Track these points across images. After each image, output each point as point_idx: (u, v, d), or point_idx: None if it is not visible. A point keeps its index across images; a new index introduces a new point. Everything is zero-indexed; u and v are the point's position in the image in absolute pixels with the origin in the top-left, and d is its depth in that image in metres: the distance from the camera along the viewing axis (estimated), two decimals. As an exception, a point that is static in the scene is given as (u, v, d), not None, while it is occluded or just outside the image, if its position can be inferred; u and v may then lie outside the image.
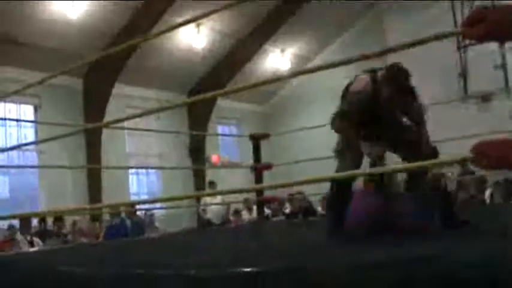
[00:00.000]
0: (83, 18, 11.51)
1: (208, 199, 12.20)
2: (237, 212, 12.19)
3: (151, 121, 13.96)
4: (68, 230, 10.72)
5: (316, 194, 9.42)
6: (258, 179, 7.56)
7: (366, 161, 3.82)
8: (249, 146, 7.59)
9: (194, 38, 13.60)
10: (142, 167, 14.51)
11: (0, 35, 10.75)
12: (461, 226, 3.69)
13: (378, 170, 3.65)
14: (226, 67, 15.18)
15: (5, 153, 10.98)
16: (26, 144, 10.78)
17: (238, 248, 3.88)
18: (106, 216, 11.57)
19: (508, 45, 10.41)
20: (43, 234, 9.98)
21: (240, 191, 12.03)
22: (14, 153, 11.71)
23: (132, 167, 14.30)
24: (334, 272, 2.11)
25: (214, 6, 3.30)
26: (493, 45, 10.69)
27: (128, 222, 10.98)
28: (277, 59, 16.27)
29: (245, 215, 11.72)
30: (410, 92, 3.77)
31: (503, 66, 11.88)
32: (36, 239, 9.49)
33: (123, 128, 12.46)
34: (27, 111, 12.42)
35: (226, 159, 16.39)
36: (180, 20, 10.44)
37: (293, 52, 16.41)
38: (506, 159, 1.93)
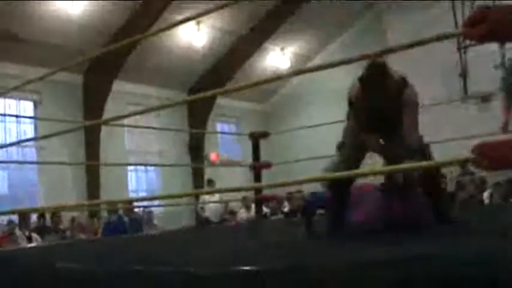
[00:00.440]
0: (83, 15, 11.50)
1: (206, 197, 12.20)
2: (232, 212, 12.22)
3: (150, 118, 13.96)
4: (66, 226, 10.74)
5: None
6: (257, 177, 7.56)
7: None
8: (249, 144, 7.58)
9: (194, 35, 13.59)
10: (141, 164, 14.51)
11: (1, 31, 10.75)
12: (453, 222, 3.73)
13: (377, 170, 3.67)
14: (226, 65, 15.18)
15: (4, 149, 10.98)
16: (25, 140, 10.77)
17: (236, 246, 3.88)
18: (104, 213, 11.57)
19: (508, 45, 10.40)
20: (42, 230, 10.00)
21: (239, 190, 12.01)
22: (14, 148, 11.70)
23: (131, 164, 14.30)
24: (333, 270, 2.11)
25: (215, 4, 3.29)
26: (494, 46, 10.69)
27: (126, 219, 11.00)
28: (277, 57, 16.26)
29: (243, 213, 11.73)
30: (396, 85, 3.69)
31: (503, 66, 11.88)
32: (34, 235, 9.51)
33: (122, 125, 12.47)
34: (27, 107, 12.41)
35: (225, 158, 16.39)
36: (180, 17, 10.44)
37: (293, 51, 16.41)
38: (506, 159, 1.93)
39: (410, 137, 3.64)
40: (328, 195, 4.00)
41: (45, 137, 9.38)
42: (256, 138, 7.60)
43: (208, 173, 14.77)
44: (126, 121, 12.29)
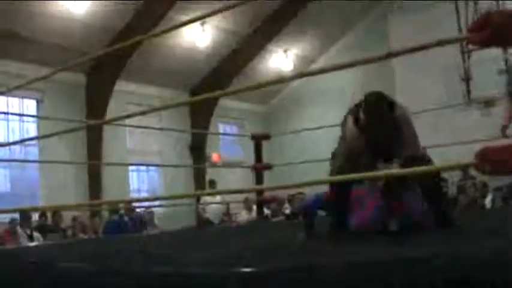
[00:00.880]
0: (87, 15, 11.52)
1: (208, 198, 12.21)
2: (229, 214, 12.25)
3: (152, 119, 13.96)
4: (68, 225, 10.75)
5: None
6: (259, 179, 7.57)
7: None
8: (250, 145, 7.59)
9: (198, 36, 13.59)
10: (143, 164, 14.51)
11: (4, 30, 10.77)
12: (452, 225, 3.75)
13: (378, 174, 3.65)
14: (229, 66, 15.18)
15: (7, 147, 11.00)
16: (28, 139, 10.80)
17: (236, 247, 3.88)
18: (105, 213, 11.59)
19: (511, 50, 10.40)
20: (43, 228, 10.02)
21: (240, 192, 12.05)
22: (16, 147, 11.73)
23: (133, 164, 14.31)
24: (332, 271, 2.11)
25: (220, 4, 3.30)
26: (497, 50, 10.67)
27: (126, 218, 11.02)
28: (280, 59, 16.26)
29: (245, 214, 11.72)
30: (394, 119, 3.51)
31: (507, 71, 11.86)
32: (36, 234, 9.53)
33: (125, 125, 12.47)
34: (29, 105, 12.43)
35: (226, 158, 16.40)
36: (184, 18, 10.46)
37: (296, 52, 16.41)
38: (507, 164, 1.93)
39: (412, 147, 3.59)
40: (327, 197, 4.02)
41: (47, 136, 9.39)
42: (258, 140, 7.61)
43: (210, 173, 14.76)
44: (127, 121, 12.31)
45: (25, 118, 12.24)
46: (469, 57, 12.01)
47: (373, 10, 15.92)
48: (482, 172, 2.01)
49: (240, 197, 11.55)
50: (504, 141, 4.96)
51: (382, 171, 3.63)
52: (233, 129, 17.56)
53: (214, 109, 15.66)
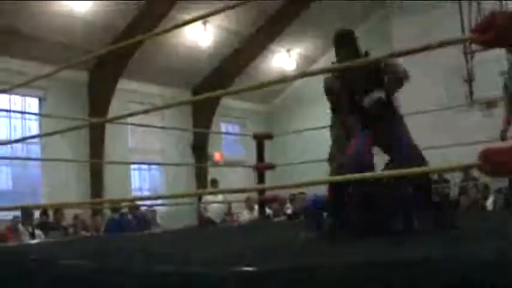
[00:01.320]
0: (89, 13, 11.52)
1: (210, 197, 12.21)
2: (230, 214, 12.26)
3: (154, 118, 13.96)
4: (69, 222, 10.77)
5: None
6: (261, 178, 7.57)
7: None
8: (252, 145, 7.59)
9: (200, 35, 13.59)
10: (145, 163, 14.51)
11: (7, 28, 10.78)
12: (448, 227, 3.79)
13: (377, 174, 3.68)
14: (231, 65, 15.18)
15: (9, 145, 11.02)
16: (30, 137, 10.80)
17: (236, 247, 3.88)
18: (108, 211, 11.60)
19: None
20: (45, 226, 10.03)
21: (242, 191, 12.04)
22: (18, 145, 11.74)
23: (135, 163, 14.32)
24: (333, 272, 2.11)
25: (222, 3, 3.30)
26: (499, 51, 10.63)
27: (130, 217, 11.03)
28: (283, 58, 16.25)
29: (246, 214, 11.73)
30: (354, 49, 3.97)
31: (508, 73, 11.83)
32: (37, 231, 9.54)
33: (127, 124, 12.48)
34: (31, 103, 12.43)
35: (228, 158, 16.40)
36: (186, 17, 10.46)
37: (299, 52, 16.40)
38: (509, 165, 1.93)
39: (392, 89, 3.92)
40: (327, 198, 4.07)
41: (49, 134, 9.40)
42: (260, 139, 7.62)
43: (212, 173, 14.76)
44: (129, 120, 12.31)
45: (27, 116, 12.25)
46: (471, 58, 12.00)
47: (376, 11, 15.91)
48: (485, 173, 2.01)
49: (242, 196, 11.55)
50: (502, 143, 4.97)
51: (382, 172, 3.66)
52: (235, 129, 17.57)
53: (217, 108, 15.66)
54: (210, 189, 13.19)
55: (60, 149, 11.91)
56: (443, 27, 11.73)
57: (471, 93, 11.82)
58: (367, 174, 3.50)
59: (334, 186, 3.99)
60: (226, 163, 16.10)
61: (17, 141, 9.79)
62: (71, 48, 11.43)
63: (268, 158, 7.70)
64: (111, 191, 12.58)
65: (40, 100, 12.53)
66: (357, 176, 3.48)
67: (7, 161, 11.58)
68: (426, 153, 4.09)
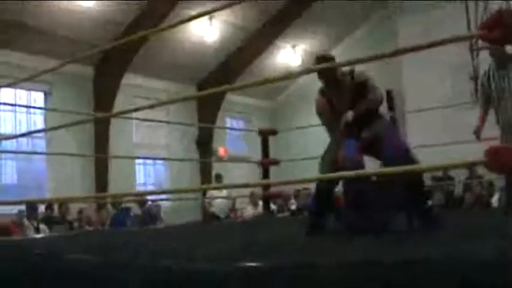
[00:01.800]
0: (95, 8, 11.52)
1: (214, 193, 12.21)
2: (234, 209, 12.28)
3: (159, 113, 13.96)
4: (74, 217, 10.80)
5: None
6: (265, 174, 7.58)
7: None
8: (257, 140, 7.59)
9: (206, 30, 13.57)
10: (149, 158, 14.53)
11: (14, 22, 10.79)
12: (432, 226, 3.87)
13: (371, 172, 3.72)
14: (237, 61, 15.17)
15: (14, 139, 11.04)
16: (35, 132, 10.82)
17: (240, 242, 3.89)
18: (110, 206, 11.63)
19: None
20: (49, 220, 10.05)
21: (246, 186, 12.05)
22: (23, 139, 11.77)
23: (140, 158, 14.32)
24: (330, 268, 2.11)
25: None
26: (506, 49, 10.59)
27: (133, 212, 11.06)
28: (288, 54, 16.23)
29: (250, 210, 11.73)
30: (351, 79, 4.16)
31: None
32: (42, 226, 9.57)
33: (132, 118, 12.49)
34: (37, 97, 12.45)
35: (233, 153, 16.40)
36: (192, 12, 10.46)
37: (304, 48, 16.37)
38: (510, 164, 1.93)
39: (372, 104, 4.14)
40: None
41: (55, 128, 9.40)
42: (265, 135, 7.63)
43: (216, 168, 14.77)
44: (134, 115, 12.32)
45: (32, 110, 12.26)
46: (477, 56, 11.98)
47: (382, 7, 15.86)
48: (492, 170, 2.01)
49: (246, 192, 11.55)
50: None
51: (371, 170, 3.72)
52: (240, 124, 17.56)
53: (222, 104, 15.66)
54: (214, 184, 13.20)
55: (65, 143, 11.93)
56: (449, 25, 11.70)
57: (476, 90, 11.79)
58: (362, 172, 3.56)
59: (316, 188, 4.22)
60: (230, 158, 16.10)
61: (22, 135, 9.81)
62: (76, 43, 11.44)
63: (272, 153, 7.71)
64: (116, 185, 12.59)
65: (45, 94, 12.55)
66: (361, 173, 3.52)
67: (12, 155, 11.61)
68: (431, 150, 4.10)
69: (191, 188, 9.84)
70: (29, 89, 12.15)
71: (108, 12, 11.81)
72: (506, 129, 5.16)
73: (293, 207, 11.62)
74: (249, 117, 17.53)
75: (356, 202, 3.96)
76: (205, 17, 12.89)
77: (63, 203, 10.35)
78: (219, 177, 13.26)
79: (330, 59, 4.19)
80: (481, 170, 11.38)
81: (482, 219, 5.59)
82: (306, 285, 2.07)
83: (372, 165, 4.17)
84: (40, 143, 12.33)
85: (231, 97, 15.91)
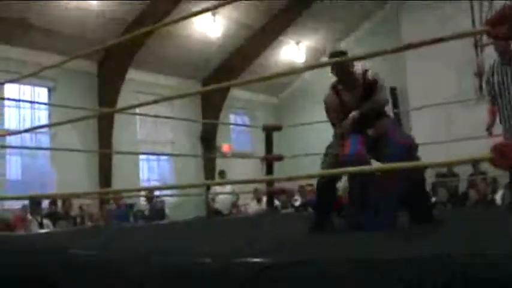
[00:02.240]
0: (100, 5, 11.52)
1: (218, 188, 12.22)
2: (236, 206, 12.29)
3: (164, 109, 13.97)
4: (77, 213, 10.83)
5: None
6: (269, 169, 7.57)
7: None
8: (260, 136, 7.58)
9: (210, 26, 13.56)
10: (153, 154, 14.54)
11: (18, 19, 10.81)
12: (432, 223, 3.96)
13: (375, 168, 3.73)
14: (241, 57, 15.15)
15: (19, 135, 11.06)
16: (39, 127, 10.83)
17: (242, 238, 3.89)
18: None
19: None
20: (53, 216, 10.09)
21: (250, 182, 12.04)
22: (27, 134, 11.77)
23: (143, 153, 14.33)
24: (332, 265, 2.11)
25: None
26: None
27: (142, 207, 11.09)
28: (292, 50, 16.21)
29: (254, 205, 11.74)
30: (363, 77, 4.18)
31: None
32: (46, 221, 9.59)
33: (136, 114, 12.51)
34: (41, 93, 12.47)
35: (237, 149, 16.41)
36: (195, 8, 10.44)
37: (308, 44, 16.35)
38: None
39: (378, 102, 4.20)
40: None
41: (59, 123, 9.43)
42: (269, 131, 7.62)
43: (220, 164, 14.78)
44: (138, 111, 12.33)
45: (36, 106, 12.28)
46: (481, 51, 11.95)
47: (386, 3, 15.83)
48: (498, 167, 2.00)
49: (250, 187, 11.56)
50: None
51: (372, 167, 3.72)
52: (243, 120, 17.55)
53: (226, 100, 15.66)
54: (217, 180, 13.21)
55: (69, 139, 11.95)
56: (453, 22, 11.69)
57: (481, 86, 11.78)
58: (367, 168, 3.57)
59: (318, 185, 4.25)
60: (234, 154, 16.10)
61: (26, 131, 9.82)
62: (80, 39, 11.44)
63: (275, 149, 7.70)
64: (120, 181, 12.61)
65: (49, 90, 12.56)
66: (355, 169, 3.54)
67: (17, 151, 11.63)
68: (435, 147, 4.11)
69: (195, 184, 9.84)
70: (33, 85, 12.17)
71: (111, 9, 11.80)
72: (508, 127, 5.12)
73: (297, 203, 11.62)
74: (253, 113, 17.52)
75: (360, 199, 3.98)
76: (209, 14, 12.90)
77: (67, 199, 10.38)
78: (222, 174, 13.27)
79: (344, 53, 4.22)
80: (484, 167, 11.36)
81: (486, 216, 5.58)
82: (307, 282, 2.07)
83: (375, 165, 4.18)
84: (44, 139, 12.34)
85: (235, 93, 15.91)
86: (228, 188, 12.10)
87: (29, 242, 4.00)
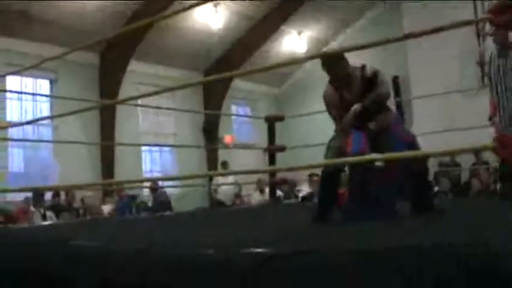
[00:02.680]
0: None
1: (220, 179, 12.24)
2: (239, 196, 12.32)
3: (166, 100, 13.97)
4: (79, 205, 10.86)
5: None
6: (272, 160, 7.57)
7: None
8: (262, 127, 7.57)
9: (211, 17, 13.54)
10: (156, 145, 14.55)
11: (20, 11, 10.80)
12: (432, 212, 3.93)
13: (375, 157, 3.73)
14: (242, 47, 15.13)
15: (21, 127, 11.07)
16: (41, 119, 10.83)
17: (245, 229, 3.89)
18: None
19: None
20: (56, 208, 10.11)
21: (252, 172, 12.07)
22: (29, 127, 11.79)
23: (145, 144, 14.34)
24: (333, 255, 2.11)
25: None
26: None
27: (145, 198, 11.10)
28: (294, 41, 16.18)
29: (257, 196, 11.75)
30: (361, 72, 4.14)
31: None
32: (49, 213, 9.61)
33: (138, 105, 12.51)
34: (43, 85, 12.47)
35: (239, 140, 16.41)
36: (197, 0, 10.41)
37: (310, 35, 16.31)
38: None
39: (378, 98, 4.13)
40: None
41: (61, 115, 9.43)
42: (271, 122, 7.61)
43: (223, 155, 14.80)
44: (140, 102, 12.34)
45: (38, 98, 12.28)
46: (483, 41, 11.92)
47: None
48: (501, 157, 2.00)
49: (252, 178, 11.57)
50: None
51: (381, 155, 3.74)
52: (245, 111, 17.54)
53: (228, 91, 15.66)
54: (220, 170, 13.22)
55: (72, 131, 11.96)
56: (455, 12, 11.64)
57: (483, 76, 11.76)
58: (367, 157, 3.58)
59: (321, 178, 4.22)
60: (236, 145, 16.11)
61: (28, 123, 9.84)
62: (82, 31, 11.43)
63: (277, 140, 7.70)
64: (123, 173, 12.63)
65: (51, 82, 12.56)
66: (359, 158, 3.55)
67: (19, 143, 11.64)
68: (437, 136, 4.10)
69: (197, 175, 9.82)
70: (35, 77, 12.17)
71: (113, 1, 11.77)
72: (505, 122, 5.06)
73: (302, 193, 11.62)
74: (254, 104, 17.52)
75: (361, 190, 3.98)
76: (211, 4, 12.87)
77: (70, 191, 10.40)
78: (224, 164, 13.28)
79: (340, 58, 4.18)
80: (487, 156, 11.35)
81: (488, 206, 5.57)
82: (310, 272, 2.07)
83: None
84: (46, 131, 12.35)
85: (237, 84, 15.90)
86: (230, 178, 12.11)
87: (31, 234, 4.01)
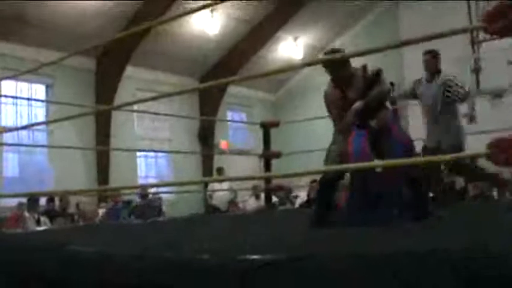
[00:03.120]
0: (99, 1, 11.51)
1: (216, 185, 12.22)
2: (233, 203, 12.29)
3: (161, 106, 13.96)
4: (74, 210, 10.81)
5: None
6: (267, 166, 7.57)
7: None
8: (257, 133, 7.57)
9: (208, 23, 13.54)
10: (151, 151, 14.53)
11: (15, 15, 10.79)
12: (428, 219, 3.95)
13: (377, 164, 3.74)
14: (239, 54, 15.14)
15: (15, 132, 11.03)
16: (36, 124, 10.81)
17: (241, 235, 3.89)
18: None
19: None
20: (50, 213, 10.06)
21: (248, 178, 12.05)
22: (24, 131, 11.76)
23: (141, 150, 14.32)
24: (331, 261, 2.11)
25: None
26: (506, 41, 10.50)
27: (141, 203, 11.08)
28: (290, 47, 16.19)
29: (253, 202, 11.73)
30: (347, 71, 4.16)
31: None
32: (43, 218, 9.57)
33: (133, 111, 12.49)
34: (38, 90, 12.44)
35: (234, 146, 16.40)
36: (194, 5, 10.42)
37: (306, 41, 16.33)
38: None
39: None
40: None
41: (56, 120, 9.41)
42: (267, 128, 7.61)
43: (218, 161, 14.79)
44: (136, 107, 12.33)
45: (34, 103, 12.25)
46: (478, 48, 11.95)
47: (383, 1, 15.83)
48: (496, 163, 2.00)
49: (248, 184, 11.55)
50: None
51: (382, 162, 3.73)
52: (241, 117, 17.54)
53: (223, 97, 15.66)
54: (215, 177, 13.21)
55: (67, 136, 11.94)
56: (451, 18, 11.68)
57: (478, 83, 11.79)
58: (367, 164, 3.58)
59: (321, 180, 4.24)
60: (232, 151, 16.10)
61: (23, 127, 9.81)
62: (78, 36, 11.41)
63: (272, 146, 7.69)
64: (118, 178, 12.60)
65: (47, 87, 12.54)
66: (357, 165, 3.55)
67: (14, 148, 11.60)
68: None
69: (193, 181, 9.85)
70: (31, 82, 12.14)
71: (109, 5, 11.77)
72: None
73: (299, 200, 11.61)
74: (250, 110, 17.52)
75: (360, 195, 3.98)
76: (207, 10, 12.86)
77: (64, 196, 10.36)
78: (220, 171, 13.27)
79: (338, 51, 4.20)
80: (482, 163, 11.35)
81: (486, 211, 5.59)
82: (306, 278, 2.07)
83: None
84: (41, 136, 12.33)
85: (233, 90, 15.90)
86: (225, 185, 12.10)
87: (26, 240, 4.00)
